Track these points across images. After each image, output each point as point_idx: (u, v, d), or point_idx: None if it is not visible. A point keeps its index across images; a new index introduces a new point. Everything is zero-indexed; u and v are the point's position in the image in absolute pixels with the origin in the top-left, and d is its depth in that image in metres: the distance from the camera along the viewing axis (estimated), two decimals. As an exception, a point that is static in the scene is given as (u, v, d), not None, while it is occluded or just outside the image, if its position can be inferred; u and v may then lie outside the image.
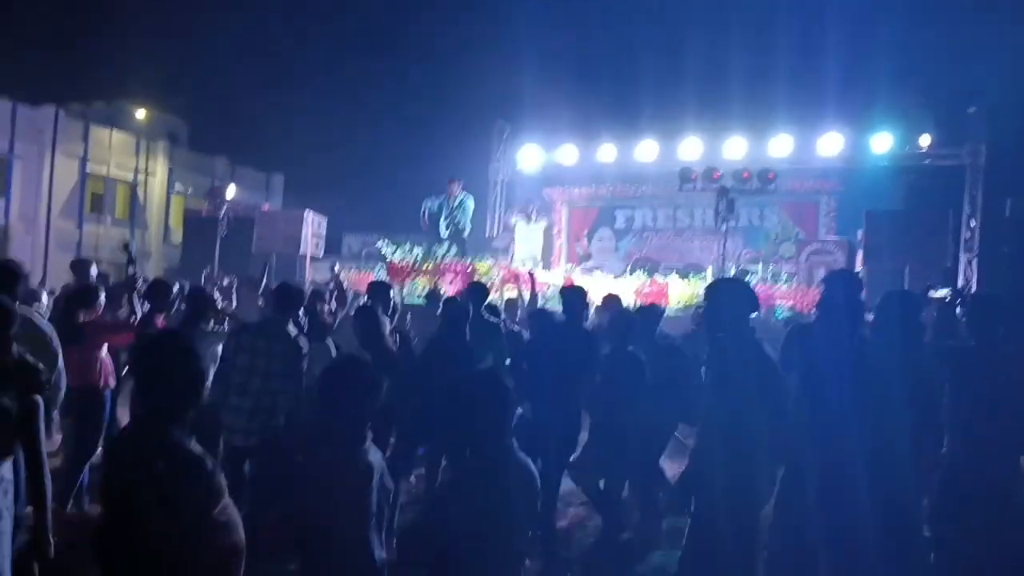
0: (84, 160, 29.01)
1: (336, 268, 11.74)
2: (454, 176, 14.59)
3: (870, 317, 4.94)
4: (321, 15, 51.02)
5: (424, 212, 14.64)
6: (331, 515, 2.94)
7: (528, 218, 15.48)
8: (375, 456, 3.06)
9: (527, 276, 11.41)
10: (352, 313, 6.67)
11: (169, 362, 2.77)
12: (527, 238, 15.24)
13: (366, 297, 7.34)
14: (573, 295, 6.79)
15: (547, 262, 18.39)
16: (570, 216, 21.90)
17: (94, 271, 8.65)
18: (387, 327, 6.30)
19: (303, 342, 5.71)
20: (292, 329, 5.76)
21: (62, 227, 28.20)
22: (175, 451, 2.66)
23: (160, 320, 6.67)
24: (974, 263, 16.33)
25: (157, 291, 6.76)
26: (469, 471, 3.02)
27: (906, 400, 4.29)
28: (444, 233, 14.34)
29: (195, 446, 2.72)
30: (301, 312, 6.55)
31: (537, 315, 7.24)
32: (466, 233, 14.43)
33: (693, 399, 6.48)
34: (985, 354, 4.68)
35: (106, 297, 6.73)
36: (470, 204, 14.44)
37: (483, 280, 13.06)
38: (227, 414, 5.50)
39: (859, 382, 4.24)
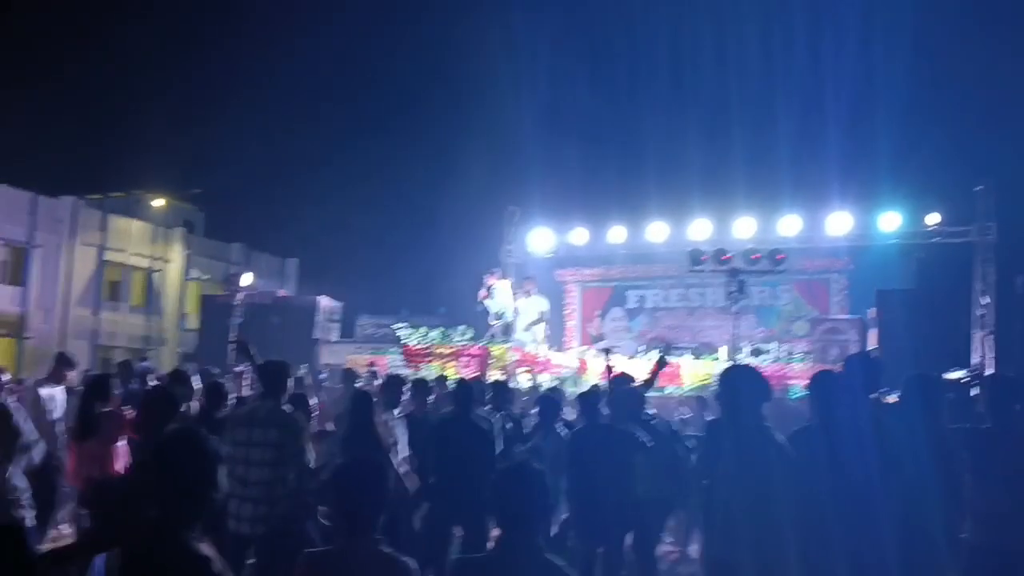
0: (102, 248, 29.41)
1: (369, 362, 11.85)
2: (491, 268, 15.21)
3: (892, 399, 4.95)
4: (333, 102, 52.30)
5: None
6: None
7: (527, 294, 15.38)
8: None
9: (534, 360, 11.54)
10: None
11: (185, 467, 2.77)
12: (526, 316, 15.17)
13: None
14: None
15: (558, 343, 18.36)
16: (582, 297, 22.03)
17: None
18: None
19: (300, 419, 5.52)
20: (286, 408, 5.55)
21: (79, 315, 28.46)
22: (183, 555, 2.66)
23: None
24: (989, 341, 16.26)
25: (176, 382, 6.73)
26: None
27: (930, 482, 4.28)
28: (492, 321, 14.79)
29: (204, 548, 2.73)
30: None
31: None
32: (507, 318, 14.76)
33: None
34: (1003, 435, 4.68)
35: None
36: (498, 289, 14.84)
37: (499, 363, 13.11)
38: (233, 502, 5.33)
39: (883, 465, 4.23)
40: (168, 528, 2.71)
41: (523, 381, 12.89)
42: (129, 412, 6.49)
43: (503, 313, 14.61)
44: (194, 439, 2.91)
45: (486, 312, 14.57)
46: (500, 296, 15.00)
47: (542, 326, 15.34)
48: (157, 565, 2.64)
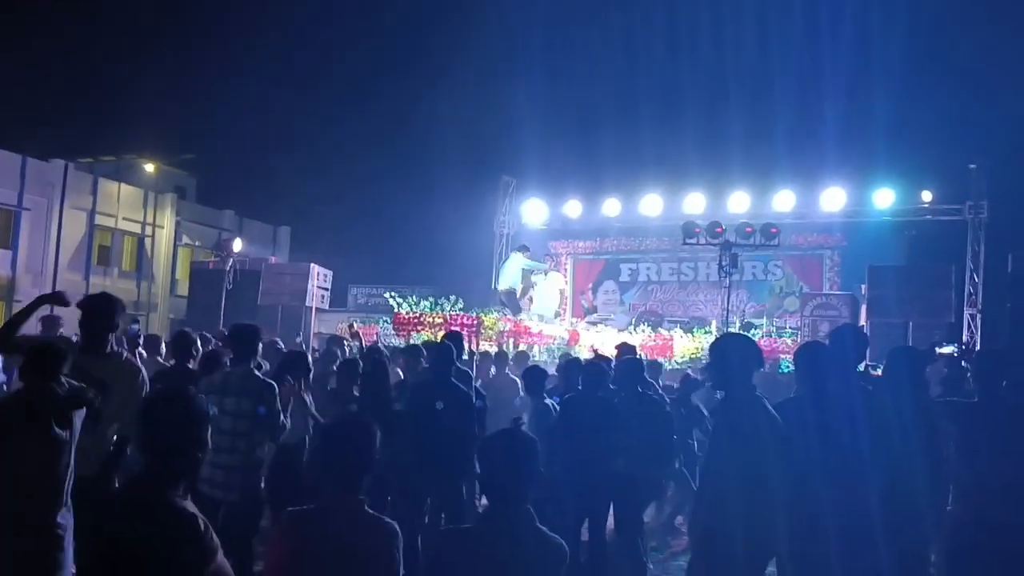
0: (92, 213, 29.22)
1: (355, 326, 11.73)
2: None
3: (878, 372, 4.96)
4: (327, 70, 51.87)
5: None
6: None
7: (545, 274, 15.50)
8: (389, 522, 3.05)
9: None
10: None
11: (172, 424, 2.74)
12: (544, 293, 15.24)
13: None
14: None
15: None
16: (575, 269, 22.04)
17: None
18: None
19: (272, 385, 5.36)
20: (257, 375, 5.40)
21: (69, 279, 28.31)
22: (167, 512, 2.64)
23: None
24: (978, 318, 16.35)
25: (180, 345, 6.66)
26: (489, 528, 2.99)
27: (915, 454, 4.30)
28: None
29: (189, 505, 2.71)
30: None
31: None
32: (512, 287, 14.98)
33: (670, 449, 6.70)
34: (989, 408, 4.70)
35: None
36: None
37: (490, 333, 13.10)
38: (206, 468, 5.30)
39: (870, 435, 4.24)
40: (153, 485, 2.70)
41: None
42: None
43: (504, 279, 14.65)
44: (182, 397, 2.87)
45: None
46: (509, 270, 15.05)
47: (558, 303, 15.65)
48: (141, 521, 2.62)
